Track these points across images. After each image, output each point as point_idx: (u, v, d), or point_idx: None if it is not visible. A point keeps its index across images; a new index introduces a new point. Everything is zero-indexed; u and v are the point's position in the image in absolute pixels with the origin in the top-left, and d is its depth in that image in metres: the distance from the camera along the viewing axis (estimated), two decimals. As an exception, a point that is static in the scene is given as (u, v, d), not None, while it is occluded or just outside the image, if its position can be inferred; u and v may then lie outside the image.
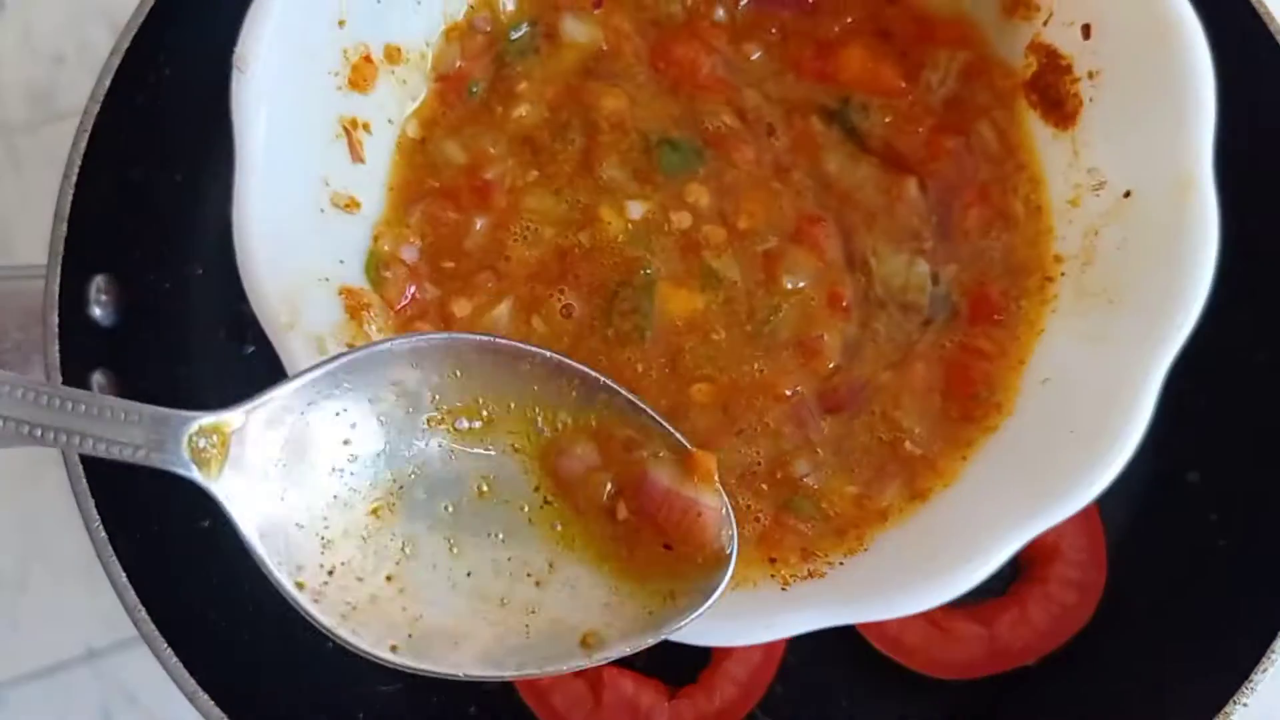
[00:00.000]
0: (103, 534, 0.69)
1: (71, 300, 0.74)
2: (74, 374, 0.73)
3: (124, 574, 0.68)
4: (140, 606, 0.68)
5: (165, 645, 0.68)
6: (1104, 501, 0.79)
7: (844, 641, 0.81)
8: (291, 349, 0.64)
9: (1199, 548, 0.79)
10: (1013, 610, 0.78)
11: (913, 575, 0.56)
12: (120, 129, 0.78)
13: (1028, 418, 0.66)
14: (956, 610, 0.80)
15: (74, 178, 0.74)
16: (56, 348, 0.72)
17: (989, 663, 0.78)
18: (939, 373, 0.70)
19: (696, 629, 0.54)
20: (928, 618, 0.78)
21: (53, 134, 1.05)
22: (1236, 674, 0.69)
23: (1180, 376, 0.84)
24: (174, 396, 0.82)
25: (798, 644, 0.79)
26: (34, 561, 0.96)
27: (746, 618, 0.56)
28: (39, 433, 0.53)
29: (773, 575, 0.59)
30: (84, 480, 0.70)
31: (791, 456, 0.70)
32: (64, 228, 0.73)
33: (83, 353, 0.75)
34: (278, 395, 0.57)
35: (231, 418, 0.56)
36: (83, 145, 0.75)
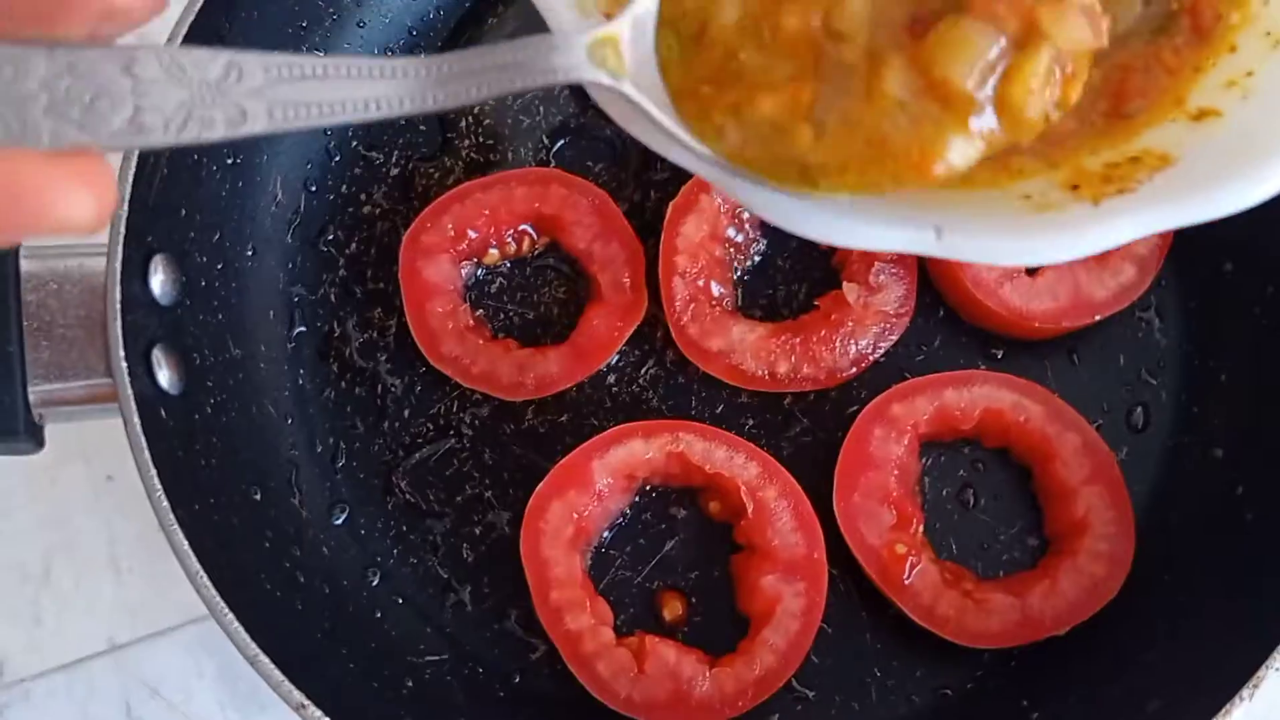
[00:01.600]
0: (165, 502, 0.70)
1: (132, 278, 0.76)
2: (134, 348, 0.75)
3: (185, 541, 0.70)
4: (202, 572, 0.70)
5: (226, 609, 0.69)
6: (1130, 478, 0.83)
7: (879, 613, 0.83)
8: None
9: (1226, 520, 0.82)
10: (1043, 582, 0.80)
11: (1239, 170, 0.50)
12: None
13: None
14: (988, 582, 0.83)
15: (134, 159, 0.76)
16: (119, 323, 0.73)
17: (1020, 633, 0.79)
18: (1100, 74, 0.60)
19: (998, 246, 0.49)
20: (961, 589, 0.80)
21: (77, 137, 1.07)
22: (1268, 640, 0.70)
23: (1205, 354, 0.87)
24: (231, 373, 0.84)
25: (834, 615, 0.82)
26: (56, 556, 0.97)
27: (1054, 232, 0.50)
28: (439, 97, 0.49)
29: (1078, 200, 0.52)
30: (146, 451, 0.72)
31: None
32: (124, 208, 0.75)
33: (143, 329, 0.77)
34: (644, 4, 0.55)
35: (617, 28, 0.54)
36: (143, 129, 0.76)
